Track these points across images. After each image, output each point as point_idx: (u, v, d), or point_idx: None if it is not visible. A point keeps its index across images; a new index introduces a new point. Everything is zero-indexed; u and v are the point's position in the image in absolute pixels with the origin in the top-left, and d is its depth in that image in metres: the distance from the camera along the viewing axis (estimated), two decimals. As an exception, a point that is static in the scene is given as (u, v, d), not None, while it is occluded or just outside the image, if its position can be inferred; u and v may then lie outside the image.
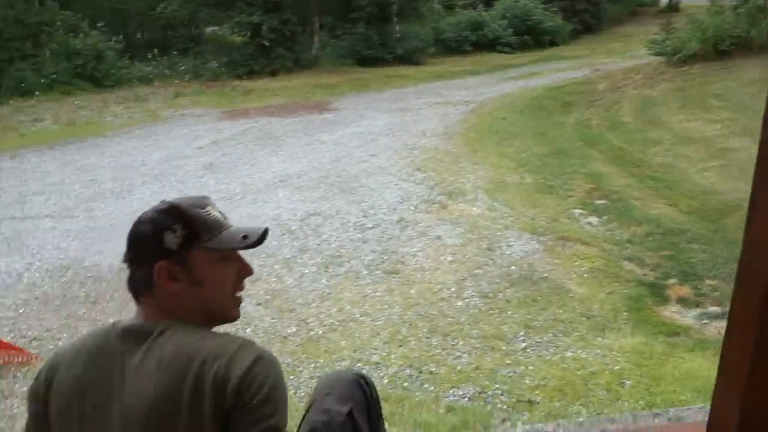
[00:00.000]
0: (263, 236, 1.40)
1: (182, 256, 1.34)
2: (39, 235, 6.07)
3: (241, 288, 1.43)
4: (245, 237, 1.37)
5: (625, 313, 4.19)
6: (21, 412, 3.39)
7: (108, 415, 1.26)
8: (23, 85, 14.36)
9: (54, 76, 15.00)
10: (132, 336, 1.31)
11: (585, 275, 4.81)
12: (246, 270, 1.42)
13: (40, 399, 1.32)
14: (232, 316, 1.42)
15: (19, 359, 3.87)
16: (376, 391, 1.78)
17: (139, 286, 1.36)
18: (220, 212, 1.42)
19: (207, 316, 1.38)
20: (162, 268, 1.32)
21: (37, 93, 14.14)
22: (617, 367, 3.53)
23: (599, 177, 7.39)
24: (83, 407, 1.29)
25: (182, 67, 17.10)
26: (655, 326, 4.01)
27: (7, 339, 4.05)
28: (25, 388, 3.56)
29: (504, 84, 14.89)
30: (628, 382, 3.39)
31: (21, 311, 4.56)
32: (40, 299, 4.74)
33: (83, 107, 13.44)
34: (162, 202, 1.40)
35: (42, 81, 14.68)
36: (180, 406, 1.20)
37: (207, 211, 1.39)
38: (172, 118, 12.09)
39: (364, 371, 1.80)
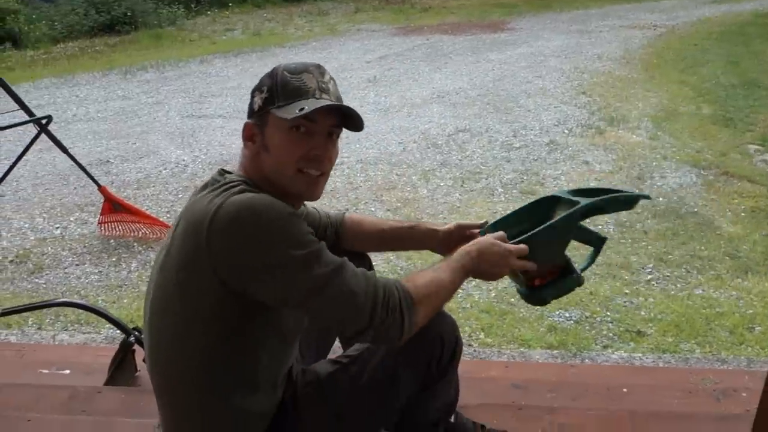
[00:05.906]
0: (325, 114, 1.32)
1: (261, 118, 1.35)
2: (210, 133, 6.59)
3: (313, 166, 1.35)
4: (301, 110, 1.28)
5: (778, 258, 3.77)
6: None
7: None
8: (222, -4, 15.34)
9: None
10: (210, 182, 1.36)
11: (742, 214, 4.35)
12: (315, 149, 1.34)
13: None
14: (296, 191, 1.37)
15: (171, 236, 4.29)
16: (455, 356, 1.56)
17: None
18: (320, 83, 1.35)
19: (272, 184, 1.35)
20: (246, 126, 1.38)
21: (231, 5, 15.07)
22: (750, 311, 3.21)
23: (791, 113, 6.54)
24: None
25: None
26: (810, 276, 3.57)
27: (163, 219, 4.52)
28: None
29: (705, 7, 13.39)
30: (758, 328, 3.08)
31: (180, 197, 5.03)
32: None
33: (270, 19, 14.14)
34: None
35: (239, -7, 15.60)
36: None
37: (298, 78, 1.33)
38: (348, 32, 12.34)
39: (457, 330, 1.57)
